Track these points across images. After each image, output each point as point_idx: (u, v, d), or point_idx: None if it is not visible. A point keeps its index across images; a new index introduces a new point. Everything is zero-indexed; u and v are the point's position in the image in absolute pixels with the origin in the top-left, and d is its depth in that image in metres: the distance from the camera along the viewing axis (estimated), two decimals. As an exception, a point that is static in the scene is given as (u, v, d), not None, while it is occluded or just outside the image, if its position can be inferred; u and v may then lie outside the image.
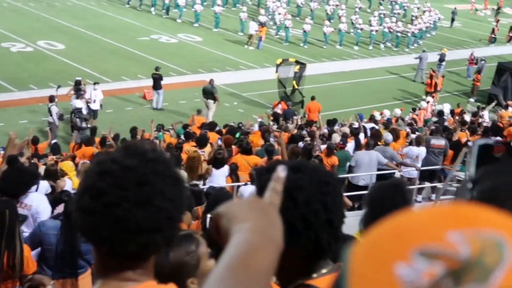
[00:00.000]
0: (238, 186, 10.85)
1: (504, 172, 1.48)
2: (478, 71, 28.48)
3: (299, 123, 19.31)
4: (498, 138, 12.38)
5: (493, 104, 24.31)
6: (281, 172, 1.32)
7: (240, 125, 18.46)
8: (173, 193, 1.73)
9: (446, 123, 19.41)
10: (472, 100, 27.40)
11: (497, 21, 40.68)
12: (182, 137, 15.86)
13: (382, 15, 39.85)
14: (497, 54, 35.84)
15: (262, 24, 33.27)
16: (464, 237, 0.66)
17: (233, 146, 13.88)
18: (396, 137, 14.97)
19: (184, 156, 12.13)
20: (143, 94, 23.26)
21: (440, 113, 20.69)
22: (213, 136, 15.21)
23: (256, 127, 18.04)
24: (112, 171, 1.68)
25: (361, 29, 35.38)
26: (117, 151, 1.78)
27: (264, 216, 1.14)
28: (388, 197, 3.85)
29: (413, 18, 40.43)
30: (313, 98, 21.69)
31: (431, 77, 26.55)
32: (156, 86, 22.22)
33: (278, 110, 20.79)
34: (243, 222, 1.11)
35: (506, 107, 23.57)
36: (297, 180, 1.71)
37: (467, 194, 1.44)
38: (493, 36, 39.40)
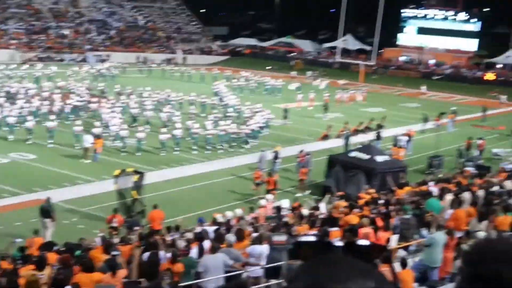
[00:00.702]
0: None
1: (314, 270, 1.56)
2: (303, 166, 29.88)
3: (142, 233, 19.02)
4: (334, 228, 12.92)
5: (328, 196, 25.33)
6: None
7: (81, 241, 17.86)
8: None
9: (285, 219, 19.94)
10: (300, 194, 28.21)
11: (330, 126, 42.46)
12: (19, 261, 15.08)
13: (216, 118, 40.97)
14: (327, 147, 37.67)
15: (97, 136, 33.02)
16: None
17: (74, 265, 13.39)
18: (239, 237, 15.16)
19: (22, 282, 11.51)
20: (-26, 219, 21.99)
21: (279, 209, 21.26)
22: (52, 257, 14.58)
23: (98, 242, 17.54)
24: None
25: (197, 133, 36.11)
26: None
27: None
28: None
29: (246, 119, 41.87)
30: (155, 207, 21.61)
31: (269, 174, 27.38)
32: (-12, 209, 21.16)
33: (115, 223, 20.41)
34: None
35: (340, 197, 24.63)
36: None
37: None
38: (325, 136, 41.42)
